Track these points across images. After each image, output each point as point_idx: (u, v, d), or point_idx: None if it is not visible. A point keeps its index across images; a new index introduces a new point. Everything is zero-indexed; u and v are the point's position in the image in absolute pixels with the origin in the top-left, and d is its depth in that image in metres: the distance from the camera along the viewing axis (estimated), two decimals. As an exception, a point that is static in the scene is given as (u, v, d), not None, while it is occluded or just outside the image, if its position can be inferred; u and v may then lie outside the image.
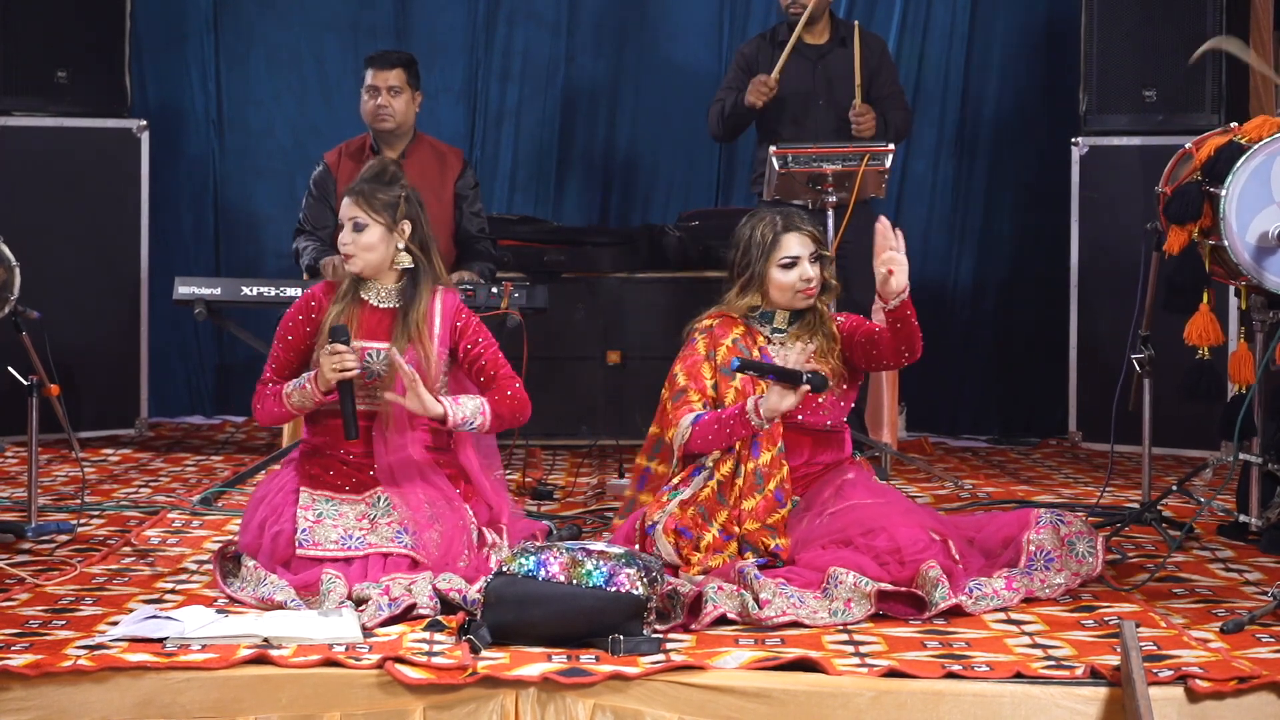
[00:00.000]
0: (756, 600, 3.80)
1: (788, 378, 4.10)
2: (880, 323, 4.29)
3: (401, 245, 4.29)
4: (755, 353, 4.30)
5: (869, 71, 6.36)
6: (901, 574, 3.93)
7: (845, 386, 4.39)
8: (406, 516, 4.13)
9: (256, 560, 4.13)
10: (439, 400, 4.17)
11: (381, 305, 4.31)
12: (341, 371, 4.13)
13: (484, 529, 4.28)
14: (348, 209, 4.28)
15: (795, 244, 4.33)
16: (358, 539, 4.09)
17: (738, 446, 4.21)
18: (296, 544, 4.09)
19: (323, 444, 4.31)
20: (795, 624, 3.77)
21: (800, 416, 4.31)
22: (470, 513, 4.24)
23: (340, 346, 4.14)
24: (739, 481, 4.20)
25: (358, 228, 4.26)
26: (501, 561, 3.73)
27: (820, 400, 4.30)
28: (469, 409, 4.22)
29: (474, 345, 4.32)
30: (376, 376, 4.24)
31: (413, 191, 4.34)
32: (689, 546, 4.10)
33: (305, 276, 6.09)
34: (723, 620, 3.79)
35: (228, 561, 4.24)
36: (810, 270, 4.32)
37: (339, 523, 4.14)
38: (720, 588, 3.86)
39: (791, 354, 4.35)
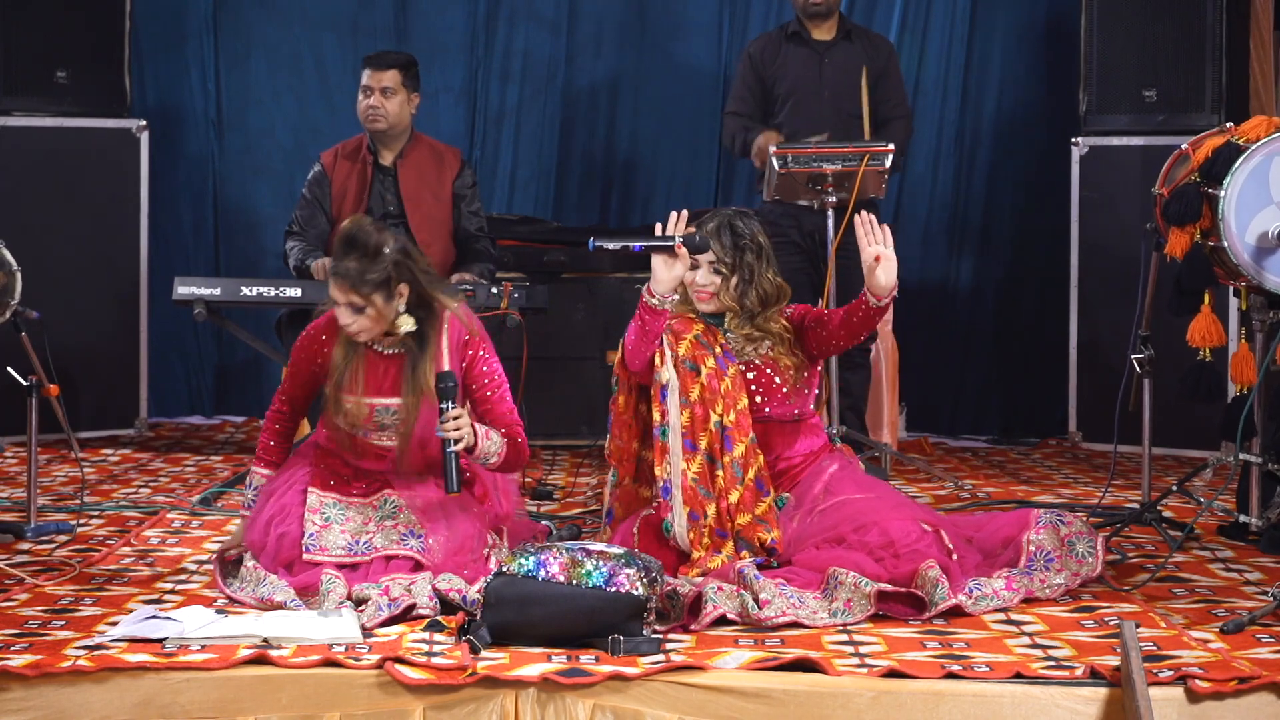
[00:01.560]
0: (756, 600, 3.80)
1: (659, 247, 4.14)
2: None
3: (402, 307, 4.17)
4: (717, 349, 4.33)
5: (873, 77, 6.37)
6: (898, 568, 3.94)
7: (806, 374, 4.41)
8: (416, 521, 4.12)
9: (258, 559, 4.13)
10: (474, 429, 4.14)
11: (387, 352, 4.26)
12: (454, 432, 4.07)
13: (489, 533, 4.29)
14: (340, 293, 4.11)
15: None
16: (365, 543, 4.09)
17: (706, 443, 4.21)
18: (303, 548, 4.09)
19: (336, 453, 4.31)
20: (795, 624, 3.77)
21: (768, 410, 4.34)
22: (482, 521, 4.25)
23: (458, 413, 4.07)
24: (720, 475, 4.21)
25: (356, 310, 4.12)
26: (501, 561, 3.73)
27: (779, 385, 4.34)
28: (493, 446, 4.19)
29: (481, 387, 4.28)
30: (386, 427, 4.24)
31: (397, 248, 4.14)
32: (696, 531, 4.12)
33: (295, 276, 6.10)
34: (723, 620, 3.79)
35: (228, 564, 4.24)
36: (701, 278, 4.33)
37: (346, 527, 4.14)
38: (720, 588, 3.86)
39: (748, 355, 4.36)
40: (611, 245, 4.20)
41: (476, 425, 4.15)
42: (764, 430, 4.33)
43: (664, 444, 4.23)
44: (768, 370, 4.36)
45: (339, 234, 4.18)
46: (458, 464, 4.09)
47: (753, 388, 4.33)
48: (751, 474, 4.23)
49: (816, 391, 4.52)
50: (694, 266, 4.32)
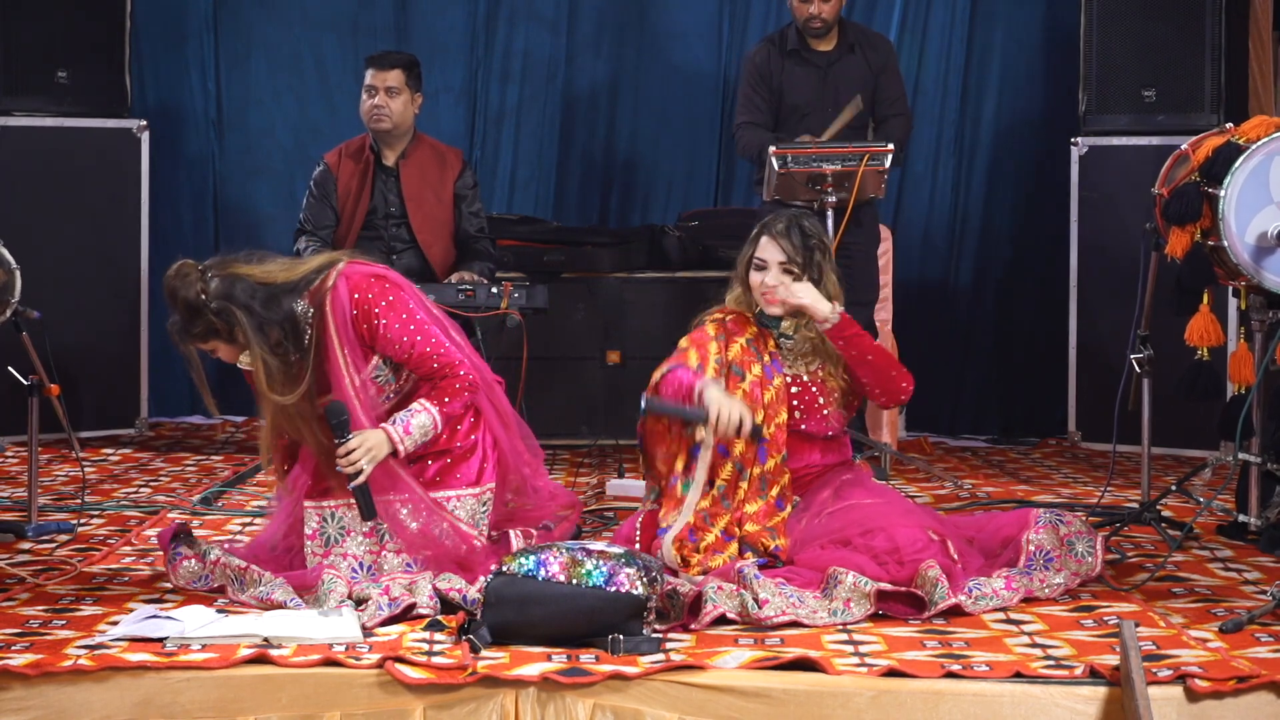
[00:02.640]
0: (756, 600, 3.80)
1: (694, 417, 4.08)
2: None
3: (247, 342, 4.00)
4: (766, 357, 4.30)
5: (873, 78, 6.35)
6: (900, 574, 3.93)
7: (851, 399, 4.39)
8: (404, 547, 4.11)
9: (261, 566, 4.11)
10: (389, 436, 4.03)
11: (291, 357, 4.09)
12: (351, 468, 3.99)
13: (511, 531, 4.28)
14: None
15: (768, 248, 4.29)
16: (368, 569, 4.05)
17: (740, 451, 4.20)
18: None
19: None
20: (795, 624, 3.77)
21: (804, 426, 4.31)
22: (457, 504, 4.20)
23: (350, 446, 3.98)
24: (743, 485, 4.20)
25: (215, 353, 4.06)
26: (501, 561, 3.73)
27: (821, 406, 4.31)
28: (418, 433, 4.08)
29: (395, 352, 4.11)
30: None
31: (218, 294, 3.94)
32: (690, 549, 4.10)
33: None
34: (723, 620, 3.79)
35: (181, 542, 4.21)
36: (772, 278, 4.26)
37: (347, 547, 4.10)
38: (720, 587, 3.85)
39: (798, 368, 4.34)
40: (657, 411, 4.13)
41: (389, 427, 4.03)
42: (795, 443, 4.31)
43: (682, 496, 4.16)
44: (813, 389, 4.32)
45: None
46: (367, 494, 4.00)
47: (794, 403, 4.31)
48: (775, 491, 4.22)
49: (854, 415, 4.50)
50: (761, 267, 4.28)
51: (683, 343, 4.33)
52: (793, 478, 4.29)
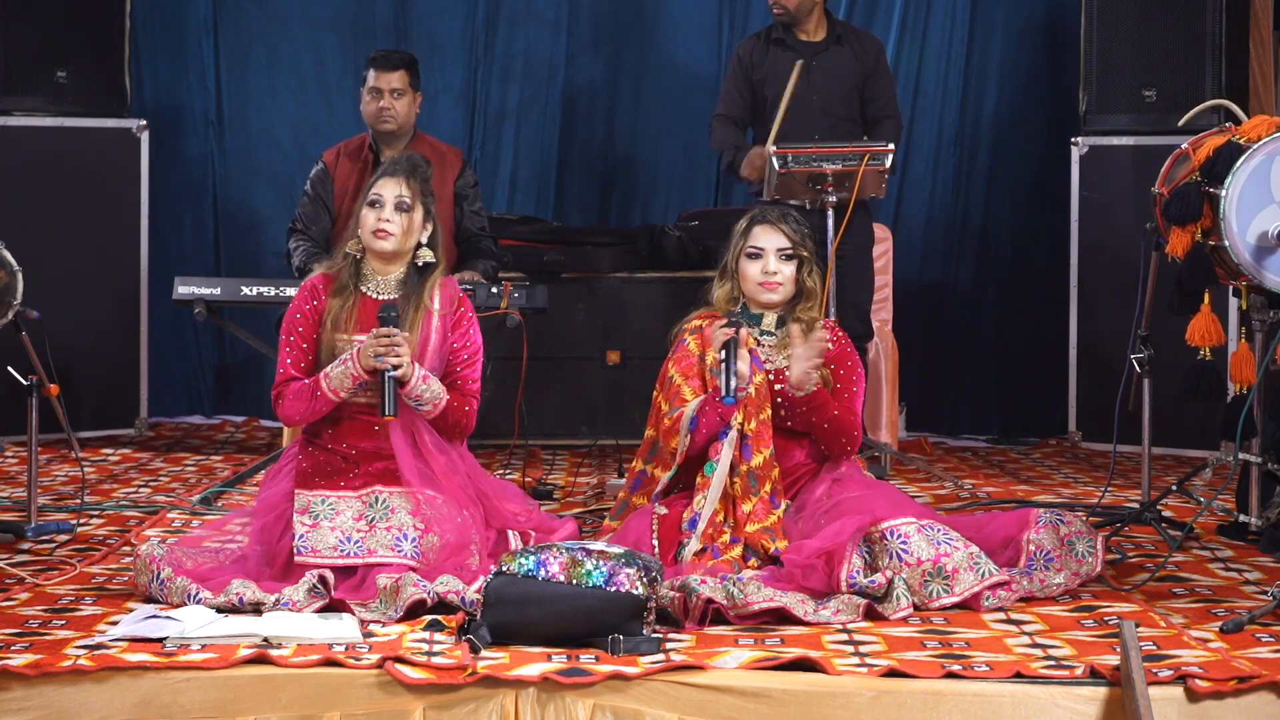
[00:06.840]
0: (741, 590, 3.80)
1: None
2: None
3: (425, 239, 4.29)
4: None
5: (862, 77, 6.33)
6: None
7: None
8: (410, 523, 4.10)
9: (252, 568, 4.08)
10: (415, 366, 4.18)
11: (380, 297, 4.27)
12: (391, 356, 4.11)
13: (509, 532, 4.28)
14: (391, 186, 4.23)
15: (763, 236, 4.33)
16: (356, 543, 4.05)
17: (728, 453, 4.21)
18: (295, 551, 4.05)
19: (322, 436, 4.27)
20: (780, 611, 3.77)
21: (789, 423, 4.31)
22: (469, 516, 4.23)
23: (391, 331, 4.13)
24: (736, 482, 4.20)
25: (404, 207, 4.23)
26: (501, 561, 3.73)
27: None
28: (432, 391, 4.21)
29: (461, 348, 4.33)
30: (374, 374, 4.21)
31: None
32: (707, 558, 4.11)
33: (297, 276, 6.10)
34: (719, 618, 3.78)
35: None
36: (772, 264, 4.31)
37: (337, 523, 4.10)
38: (704, 580, 3.83)
39: (780, 361, 4.34)
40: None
41: (418, 365, 4.18)
42: (783, 442, 4.32)
43: (707, 478, 4.19)
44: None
45: (390, 159, 4.41)
46: (394, 389, 4.13)
47: (778, 400, 4.32)
48: (767, 488, 4.23)
49: None
50: (757, 256, 4.32)
51: (674, 376, 4.34)
52: (788, 478, 4.30)
